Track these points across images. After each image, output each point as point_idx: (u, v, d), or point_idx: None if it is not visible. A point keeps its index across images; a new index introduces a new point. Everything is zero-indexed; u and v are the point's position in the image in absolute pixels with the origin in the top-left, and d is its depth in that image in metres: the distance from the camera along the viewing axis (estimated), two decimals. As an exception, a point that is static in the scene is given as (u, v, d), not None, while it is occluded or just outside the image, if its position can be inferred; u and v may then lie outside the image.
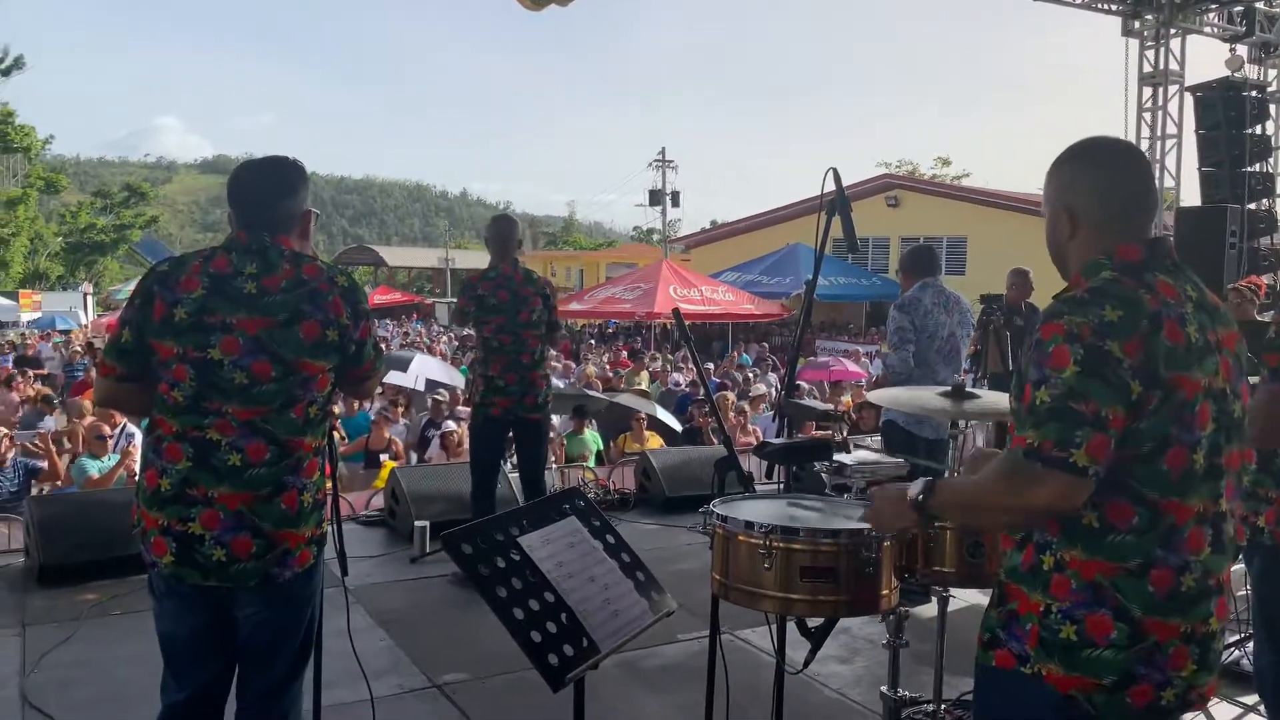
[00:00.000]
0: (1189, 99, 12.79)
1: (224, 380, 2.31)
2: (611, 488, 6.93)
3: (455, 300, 5.31)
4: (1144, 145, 15.34)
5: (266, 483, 2.34)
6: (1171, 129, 15.15)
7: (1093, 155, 1.90)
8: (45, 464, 7.55)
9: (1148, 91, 15.16)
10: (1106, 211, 1.85)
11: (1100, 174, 1.87)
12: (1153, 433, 1.69)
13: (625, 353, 20.23)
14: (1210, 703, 1.86)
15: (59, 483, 7.36)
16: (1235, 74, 12.71)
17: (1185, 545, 1.73)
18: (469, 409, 8.25)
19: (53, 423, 10.08)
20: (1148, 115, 15.22)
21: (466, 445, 8.02)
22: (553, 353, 7.06)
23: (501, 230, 5.22)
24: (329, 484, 2.56)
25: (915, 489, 1.91)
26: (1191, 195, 13.52)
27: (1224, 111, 11.71)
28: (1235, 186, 11.58)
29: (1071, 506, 1.69)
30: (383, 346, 2.71)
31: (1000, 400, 3.04)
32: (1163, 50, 14.86)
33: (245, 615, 2.42)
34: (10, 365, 16.51)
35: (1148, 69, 15.05)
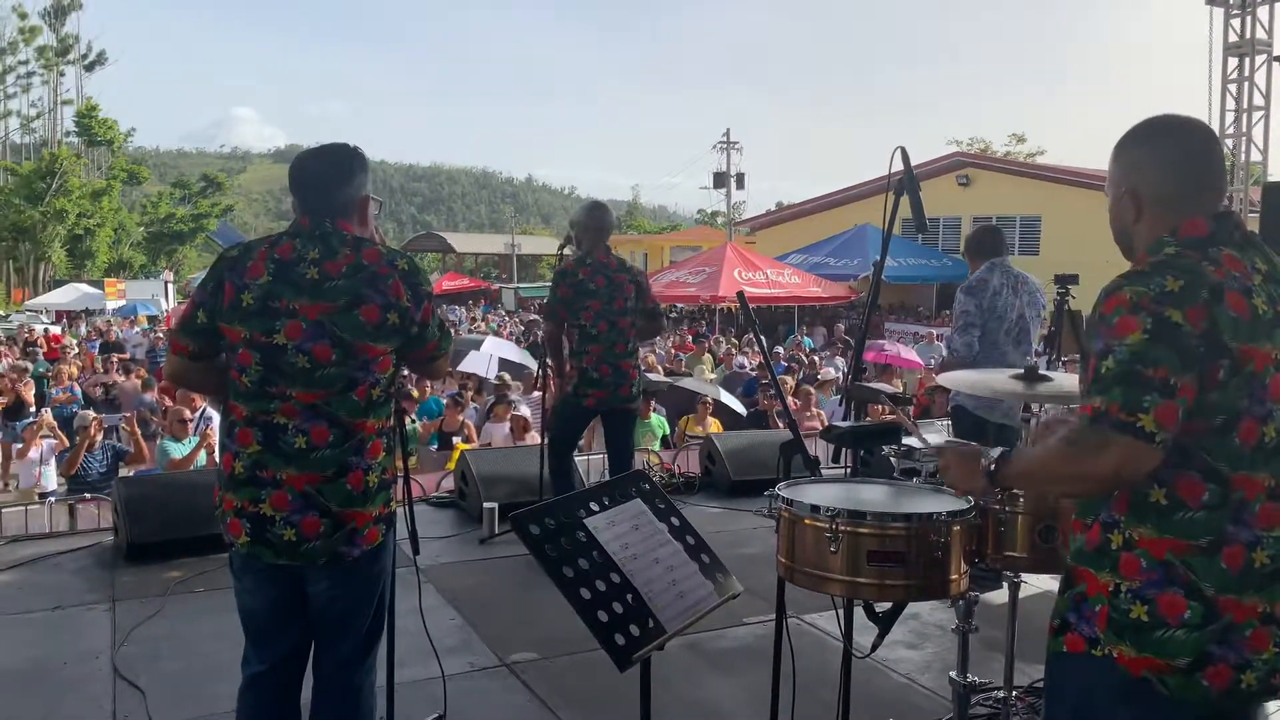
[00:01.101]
0: (1277, 69, 12.26)
1: (287, 364, 2.37)
2: (676, 471, 6.95)
3: (553, 288, 5.26)
4: (1229, 118, 14.82)
5: (331, 464, 2.40)
6: (1259, 100, 14.59)
7: (1156, 134, 1.86)
8: (132, 446, 7.88)
9: (1233, 62, 14.60)
10: (1172, 190, 1.81)
11: (1164, 152, 1.83)
12: (1225, 406, 1.66)
13: (690, 336, 20.21)
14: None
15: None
16: (1328, 41, 12.15)
17: (1256, 520, 1.69)
18: (537, 394, 8.30)
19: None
20: (1233, 86, 14.68)
21: (534, 430, 8.10)
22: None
23: (597, 218, 5.25)
24: (398, 464, 2.61)
25: (990, 457, 1.93)
26: (1280, 169, 13.00)
27: (1315, 81, 11.21)
28: (1327, 159, 11.09)
29: (1136, 475, 1.65)
30: (450, 329, 2.75)
31: (1074, 382, 2.97)
32: (1250, 19, 14.29)
33: (317, 591, 2.50)
34: (96, 350, 17.20)
35: (1234, 39, 14.49)
